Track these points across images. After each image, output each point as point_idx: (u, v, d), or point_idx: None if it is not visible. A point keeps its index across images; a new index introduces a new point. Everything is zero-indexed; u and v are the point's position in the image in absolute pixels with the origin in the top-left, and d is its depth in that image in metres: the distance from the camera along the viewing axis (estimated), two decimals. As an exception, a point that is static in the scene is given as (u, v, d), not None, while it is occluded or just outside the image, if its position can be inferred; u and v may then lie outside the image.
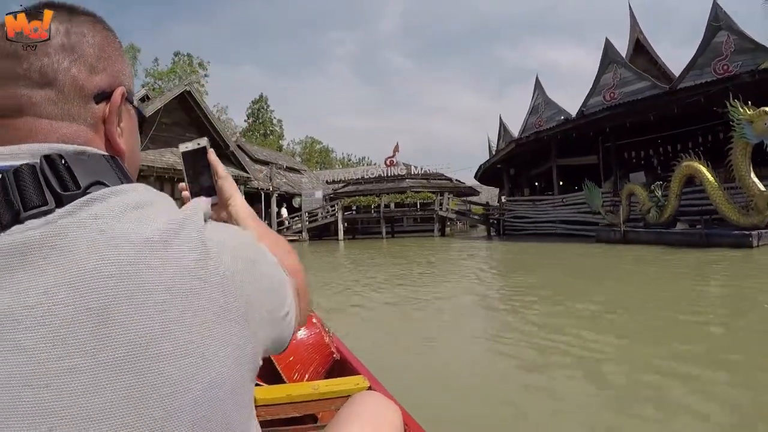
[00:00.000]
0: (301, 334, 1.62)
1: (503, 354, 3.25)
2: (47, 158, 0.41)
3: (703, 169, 11.26)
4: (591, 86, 17.60)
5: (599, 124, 14.81)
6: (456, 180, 34.31)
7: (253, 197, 25.13)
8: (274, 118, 52.84)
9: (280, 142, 52.29)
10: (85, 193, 0.40)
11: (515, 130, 22.41)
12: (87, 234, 0.36)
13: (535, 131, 17.97)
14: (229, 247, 0.44)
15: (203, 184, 0.68)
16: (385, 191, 28.43)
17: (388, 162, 35.21)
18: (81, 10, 0.50)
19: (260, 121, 51.70)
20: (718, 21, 14.35)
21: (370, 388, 1.22)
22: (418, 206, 25.41)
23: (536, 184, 23.85)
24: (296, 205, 27.92)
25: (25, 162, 0.40)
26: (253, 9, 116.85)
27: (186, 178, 0.68)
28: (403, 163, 34.80)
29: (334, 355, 1.62)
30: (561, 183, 18.41)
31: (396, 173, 33.42)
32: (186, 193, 0.69)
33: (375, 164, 38.05)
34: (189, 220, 0.42)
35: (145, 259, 0.37)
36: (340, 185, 34.05)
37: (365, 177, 33.78)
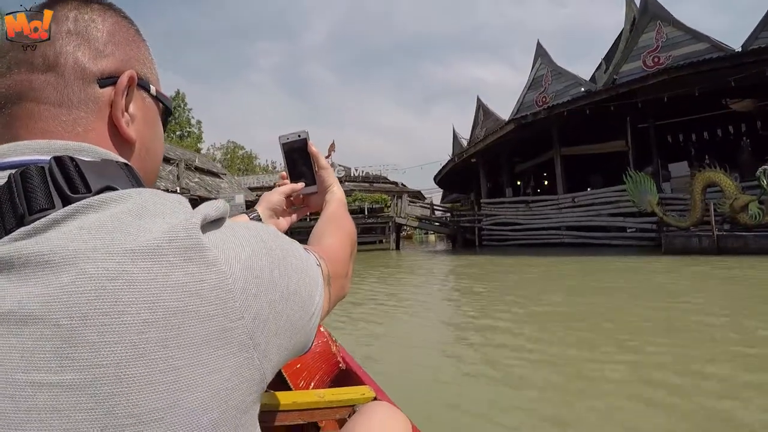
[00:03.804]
0: None
1: None
2: (57, 159, 0.36)
3: None
4: (621, 51, 12.87)
5: (648, 92, 10.28)
6: (401, 184, 29.59)
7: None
8: (192, 118, 44.65)
9: (198, 145, 43.93)
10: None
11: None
12: (69, 245, 0.31)
13: (546, 107, 12.90)
14: (241, 256, 0.36)
15: (303, 173, 0.68)
16: (324, 195, 22.79)
17: (323, 164, 29.74)
18: (94, 0, 0.46)
19: (176, 121, 43.16)
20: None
21: (375, 399, 1.14)
22: (366, 212, 20.08)
23: (518, 183, 18.72)
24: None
25: (32, 161, 0.37)
26: (177, 17, 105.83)
27: (286, 168, 0.69)
28: (340, 165, 29.55)
29: (340, 365, 1.52)
30: (553, 179, 14.00)
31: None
32: (286, 182, 0.72)
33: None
34: (191, 227, 0.34)
35: (128, 273, 0.31)
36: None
37: (297, 180, 27.98)
